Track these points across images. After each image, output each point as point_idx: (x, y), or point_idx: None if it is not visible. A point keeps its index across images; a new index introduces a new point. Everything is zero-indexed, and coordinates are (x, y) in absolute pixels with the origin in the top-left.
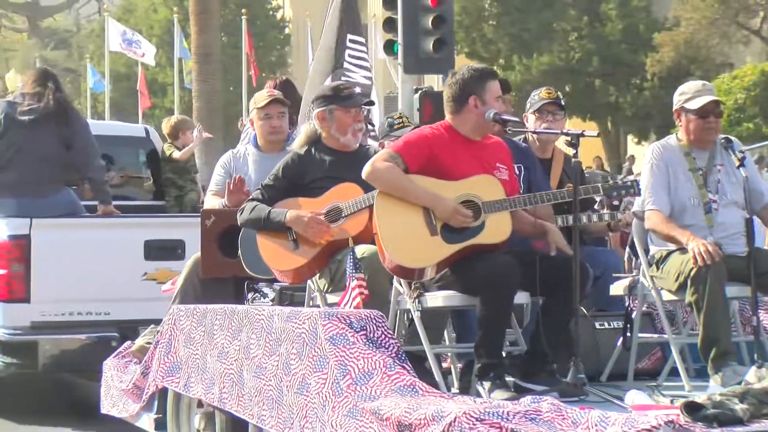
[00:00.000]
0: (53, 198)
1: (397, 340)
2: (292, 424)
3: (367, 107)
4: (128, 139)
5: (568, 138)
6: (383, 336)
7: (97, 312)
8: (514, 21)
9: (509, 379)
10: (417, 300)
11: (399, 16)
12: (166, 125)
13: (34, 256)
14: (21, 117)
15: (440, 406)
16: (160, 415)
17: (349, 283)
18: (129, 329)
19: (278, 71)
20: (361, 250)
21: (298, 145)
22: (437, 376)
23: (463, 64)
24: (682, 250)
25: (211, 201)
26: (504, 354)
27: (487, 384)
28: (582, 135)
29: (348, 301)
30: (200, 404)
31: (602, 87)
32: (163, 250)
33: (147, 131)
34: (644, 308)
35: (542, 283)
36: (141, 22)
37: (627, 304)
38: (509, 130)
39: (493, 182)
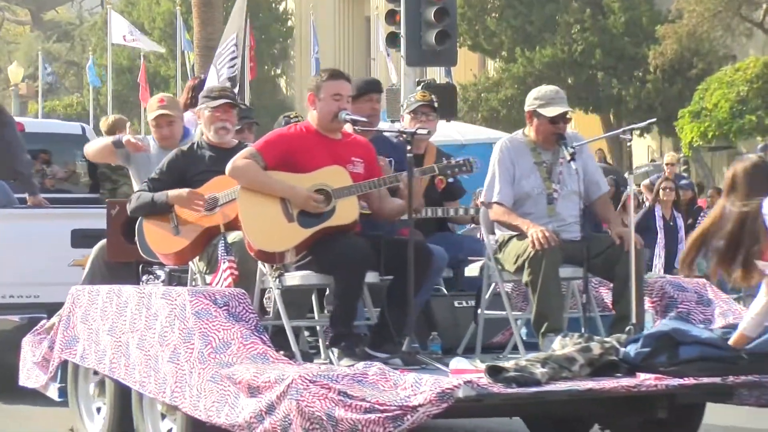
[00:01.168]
0: None
1: (256, 315)
2: (165, 389)
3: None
4: (66, 137)
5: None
6: (244, 311)
7: (28, 295)
8: (516, 14)
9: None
10: (278, 279)
11: (402, 9)
12: (104, 124)
13: None
14: None
15: (282, 371)
16: (63, 384)
17: (220, 265)
18: (56, 311)
19: (281, 64)
20: (233, 236)
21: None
22: (293, 347)
23: (465, 56)
24: (522, 235)
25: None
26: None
27: (337, 351)
28: (415, 134)
29: (219, 281)
30: (95, 373)
31: (605, 79)
32: (87, 239)
33: (83, 129)
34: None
35: (387, 264)
36: (143, 15)
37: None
38: (359, 128)
39: (341, 172)
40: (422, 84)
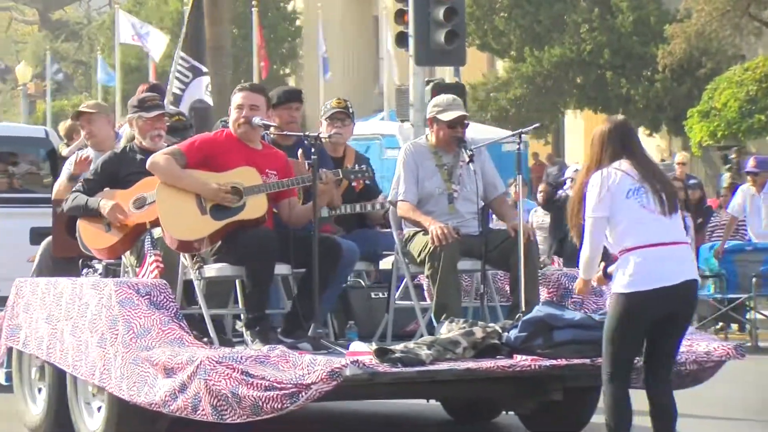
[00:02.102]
0: None
1: (176, 303)
2: (94, 372)
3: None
4: (30, 140)
5: None
6: (165, 300)
7: None
8: (525, 13)
9: None
10: (198, 271)
11: (410, 8)
12: (62, 127)
13: None
14: None
15: (193, 353)
16: (9, 370)
17: (146, 259)
18: None
19: (290, 63)
20: (158, 231)
21: (121, 144)
22: (211, 332)
23: (474, 56)
24: (426, 231)
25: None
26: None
27: (251, 334)
28: (318, 138)
29: (145, 273)
30: (37, 359)
31: (613, 79)
32: (45, 236)
33: (46, 132)
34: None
35: (298, 257)
36: (152, 15)
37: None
38: (273, 133)
39: (252, 172)
40: (431, 84)
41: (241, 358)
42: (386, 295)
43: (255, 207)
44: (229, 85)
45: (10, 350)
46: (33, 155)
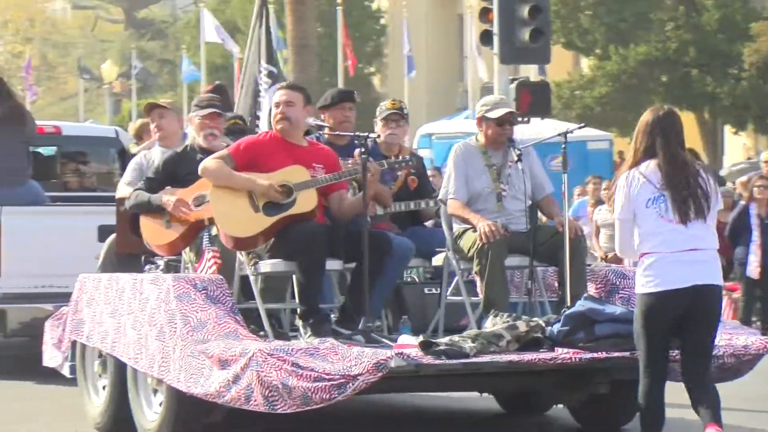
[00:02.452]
0: (20, 189)
1: (232, 298)
2: (153, 364)
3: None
4: (100, 139)
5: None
6: (221, 294)
7: (57, 285)
8: (610, 11)
9: None
10: (253, 267)
11: (495, 7)
12: (132, 127)
13: (4, 238)
14: None
15: (246, 346)
16: (74, 363)
17: (204, 255)
18: None
19: (374, 61)
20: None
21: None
22: (265, 326)
23: (559, 54)
24: (475, 228)
25: (124, 190)
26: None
27: (304, 327)
28: (367, 137)
29: (203, 268)
30: (100, 354)
31: (699, 77)
32: (112, 233)
33: (117, 132)
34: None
35: (350, 252)
36: (236, 13)
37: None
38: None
39: (301, 170)
40: (516, 82)
41: (292, 351)
42: (439, 291)
43: (305, 202)
44: (314, 83)
45: (74, 344)
46: (103, 154)
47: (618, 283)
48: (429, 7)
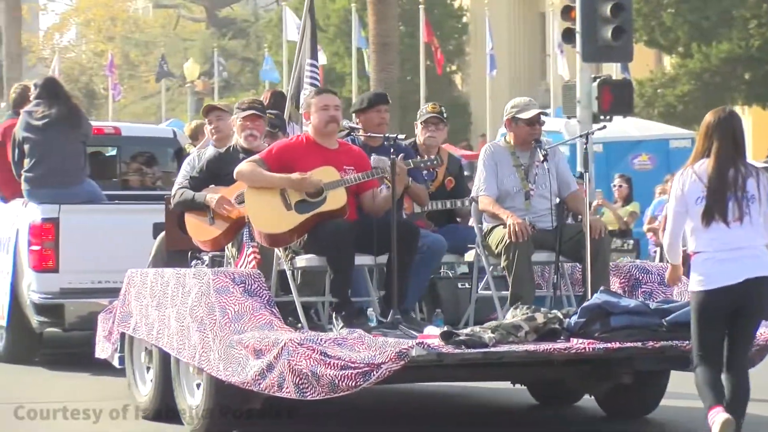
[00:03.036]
0: (77, 188)
1: (269, 291)
2: (195, 354)
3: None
4: (159, 140)
5: None
6: (258, 288)
7: (113, 281)
8: (693, 8)
9: None
10: (290, 262)
11: (577, 5)
12: (187, 128)
13: (62, 235)
14: (36, 122)
15: (279, 336)
16: (122, 354)
17: (245, 250)
18: None
19: (456, 60)
20: None
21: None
22: (301, 318)
23: (641, 52)
24: (504, 225)
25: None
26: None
27: (338, 319)
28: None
29: (243, 263)
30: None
31: None
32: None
33: (174, 132)
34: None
35: (381, 246)
36: (318, 12)
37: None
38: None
39: (331, 170)
40: (598, 80)
41: (321, 340)
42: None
43: (335, 200)
44: (396, 82)
45: (123, 336)
46: (162, 154)
47: (641, 278)
48: (511, 5)
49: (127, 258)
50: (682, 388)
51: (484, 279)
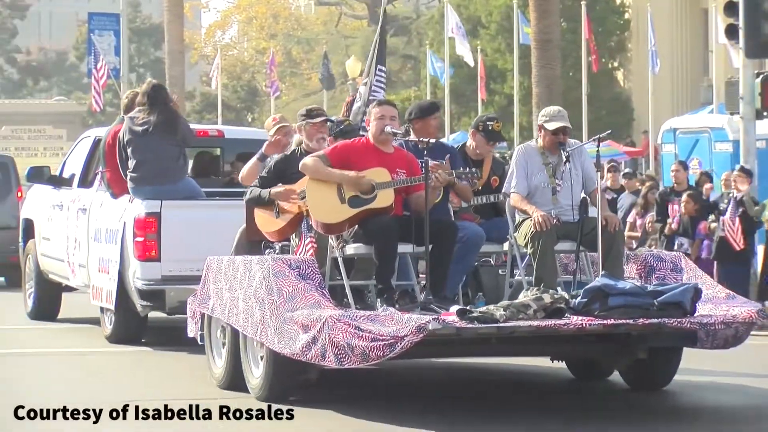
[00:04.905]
0: (176, 185)
1: (320, 276)
2: (257, 330)
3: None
4: (259, 142)
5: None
6: (311, 272)
7: None
8: None
9: None
10: (341, 250)
11: (741, 0)
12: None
13: (164, 227)
14: (137, 128)
15: (322, 313)
16: (203, 332)
17: (303, 239)
18: None
19: (618, 56)
20: None
21: (291, 147)
22: (349, 299)
23: None
24: (531, 219)
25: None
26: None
27: (381, 300)
28: (428, 142)
29: (302, 251)
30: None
31: None
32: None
33: None
34: None
35: (420, 238)
36: (480, 9)
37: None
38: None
39: (383, 172)
40: (761, 76)
41: (356, 317)
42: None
43: (383, 198)
44: (558, 79)
45: (202, 316)
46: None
47: (655, 265)
48: (673, 1)
49: (221, 248)
50: (692, 365)
51: (522, 266)
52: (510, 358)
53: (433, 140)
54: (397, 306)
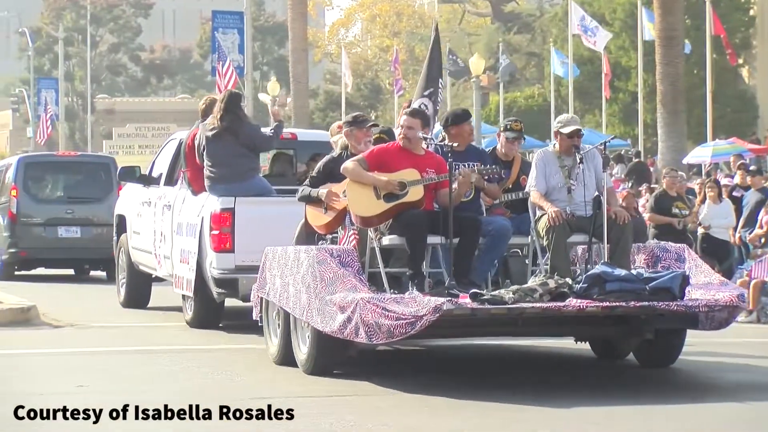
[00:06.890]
0: (247, 183)
1: (359, 263)
2: (303, 312)
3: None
4: (327, 144)
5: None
6: (350, 261)
7: None
8: None
9: None
10: (378, 240)
11: None
12: (331, 131)
13: (237, 222)
14: (208, 133)
15: (355, 296)
16: (261, 314)
17: (346, 232)
18: None
19: (742, 53)
20: None
21: (336, 150)
22: (385, 284)
23: None
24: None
25: None
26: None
27: (412, 285)
28: (452, 146)
29: (346, 242)
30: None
31: None
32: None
33: None
34: None
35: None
36: (604, 6)
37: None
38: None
39: (413, 172)
40: None
41: (384, 299)
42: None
43: (414, 194)
44: (682, 75)
45: (261, 300)
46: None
47: (661, 255)
48: None
49: (287, 240)
50: (694, 347)
51: (546, 256)
52: (540, 341)
53: (455, 144)
54: (427, 291)
